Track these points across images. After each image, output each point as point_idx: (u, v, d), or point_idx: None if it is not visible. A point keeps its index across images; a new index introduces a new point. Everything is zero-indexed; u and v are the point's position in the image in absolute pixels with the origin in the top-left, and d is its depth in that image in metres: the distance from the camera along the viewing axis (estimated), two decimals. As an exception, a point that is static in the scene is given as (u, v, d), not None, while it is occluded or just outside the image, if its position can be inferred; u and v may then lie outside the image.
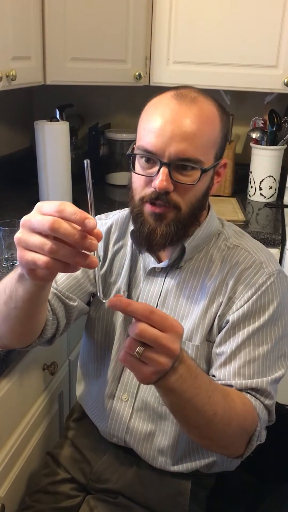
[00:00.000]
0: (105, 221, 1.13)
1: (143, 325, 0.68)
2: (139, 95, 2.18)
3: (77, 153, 2.25)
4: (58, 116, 2.11)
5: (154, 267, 1.02)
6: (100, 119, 2.38)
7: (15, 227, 1.41)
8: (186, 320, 0.99)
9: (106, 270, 1.09)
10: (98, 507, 1.07)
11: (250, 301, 0.94)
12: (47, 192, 1.87)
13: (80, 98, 2.33)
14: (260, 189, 2.10)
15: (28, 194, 2.02)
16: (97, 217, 1.16)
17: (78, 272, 1.06)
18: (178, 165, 0.89)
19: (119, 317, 1.06)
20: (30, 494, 1.15)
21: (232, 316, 0.94)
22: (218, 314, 0.96)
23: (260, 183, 2.10)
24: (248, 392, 0.92)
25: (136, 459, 1.08)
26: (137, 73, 1.94)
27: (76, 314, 1.06)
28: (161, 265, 1.01)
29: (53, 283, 1.03)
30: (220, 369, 0.94)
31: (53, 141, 1.81)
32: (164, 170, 0.88)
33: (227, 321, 0.95)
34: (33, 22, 1.64)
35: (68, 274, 1.06)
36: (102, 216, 1.16)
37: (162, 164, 0.88)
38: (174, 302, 1.00)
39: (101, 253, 1.10)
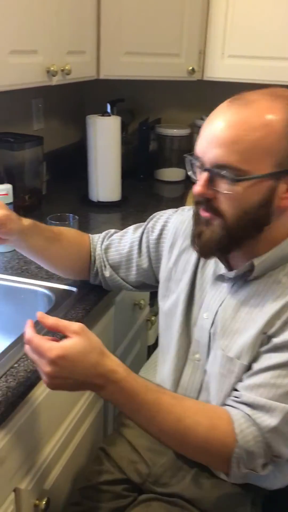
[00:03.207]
0: (181, 213, 1.13)
1: (27, 347, 0.84)
2: (191, 89, 2.15)
3: (127, 148, 2.24)
4: (109, 111, 2.11)
5: (223, 274, 0.99)
6: (151, 114, 2.36)
7: (65, 221, 1.41)
8: (239, 336, 0.93)
9: (172, 266, 1.08)
10: (153, 505, 1.05)
11: None
12: (96, 187, 1.88)
13: (130, 93, 2.32)
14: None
15: (78, 188, 2.03)
16: (181, 208, 1.16)
17: (125, 252, 1.18)
18: (220, 171, 0.84)
19: (176, 322, 1.05)
20: (81, 489, 1.13)
21: (277, 338, 0.88)
22: (268, 334, 0.90)
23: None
24: (247, 414, 0.86)
25: (196, 464, 1.05)
26: (190, 68, 1.91)
27: (111, 284, 1.21)
28: (229, 274, 0.97)
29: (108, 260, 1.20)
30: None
31: (104, 135, 1.81)
32: (203, 175, 0.85)
33: (271, 341, 0.89)
34: (89, 16, 1.65)
35: (118, 251, 1.18)
36: (186, 208, 1.15)
37: (202, 169, 0.86)
38: (232, 315, 0.96)
39: (167, 248, 1.10)
